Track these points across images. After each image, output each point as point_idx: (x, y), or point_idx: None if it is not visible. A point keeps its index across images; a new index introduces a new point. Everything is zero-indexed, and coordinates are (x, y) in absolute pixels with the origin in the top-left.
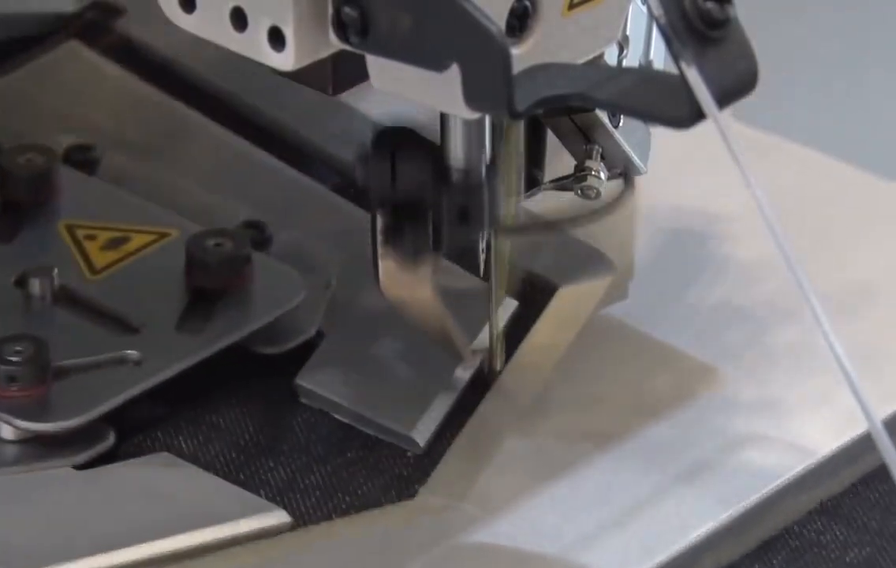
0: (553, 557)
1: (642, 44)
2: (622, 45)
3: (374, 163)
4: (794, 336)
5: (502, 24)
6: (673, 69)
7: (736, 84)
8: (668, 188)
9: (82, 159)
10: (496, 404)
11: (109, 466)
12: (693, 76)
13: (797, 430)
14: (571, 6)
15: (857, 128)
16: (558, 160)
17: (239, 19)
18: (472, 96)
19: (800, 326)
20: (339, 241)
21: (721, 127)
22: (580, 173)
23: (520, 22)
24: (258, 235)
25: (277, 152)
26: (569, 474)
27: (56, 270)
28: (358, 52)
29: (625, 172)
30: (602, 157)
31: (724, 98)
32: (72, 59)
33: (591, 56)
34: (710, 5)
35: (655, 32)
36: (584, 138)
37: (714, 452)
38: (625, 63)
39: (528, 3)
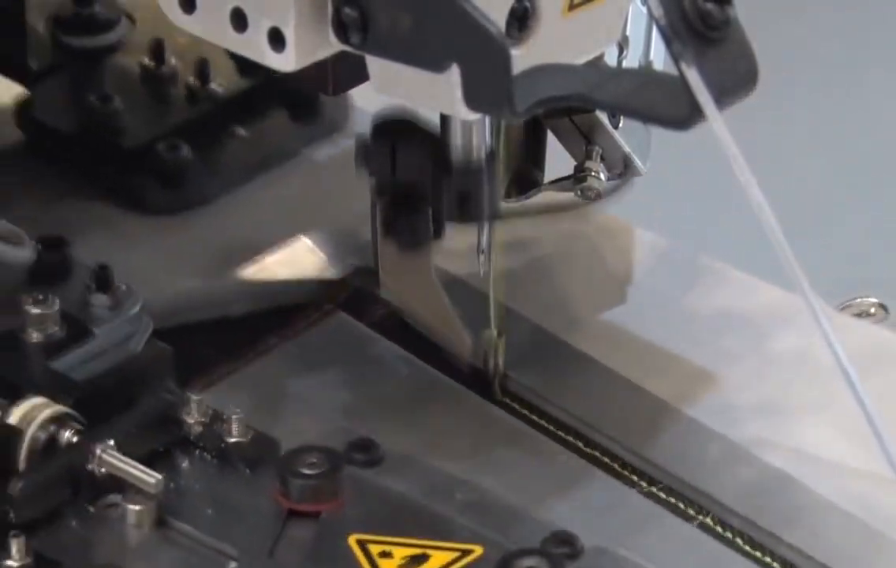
0: None
1: (642, 44)
2: (622, 46)
3: (374, 153)
4: (794, 341)
5: (502, 24)
6: (673, 69)
7: (736, 84)
8: (667, 190)
9: (365, 459)
10: None
11: None
12: (693, 77)
13: (797, 433)
14: (571, 6)
15: (857, 128)
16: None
17: (239, 20)
18: (472, 97)
19: (799, 330)
20: (660, 560)
21: (721, 128)
22: (580, 174)
23: (520, 22)
24: (570, 550)
25: (579, 447)
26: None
27: None
28: (358, 52)
29: (624, 168)
30: (602, 158)
31: (724, 98)
32: (338, 334)
33: (591, 56)
34: (710, 6)
35: (655, 33)
36: (584, 139)
37: (715, 456)
38: (625, 63)
39: (528, 4)
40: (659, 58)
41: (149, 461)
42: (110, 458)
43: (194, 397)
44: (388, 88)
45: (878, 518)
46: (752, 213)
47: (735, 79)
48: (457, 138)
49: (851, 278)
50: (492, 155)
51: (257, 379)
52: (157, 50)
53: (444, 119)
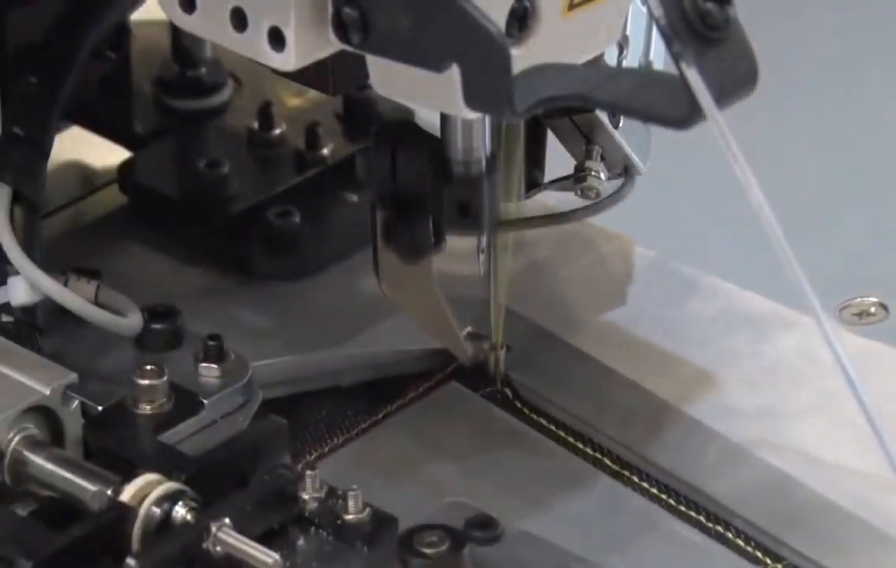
0: None
1: (642, 44)
2: (622, 45)
3: (374, 157)
4: (794, 342)
5: (502, 24)
6: (673, 69)
7: (736, 84)
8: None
9: (485, 536)
10: None
11: None
12: (693, 77)
13: (798, 436)
14: (571, 6)
15: (857, 128)
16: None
17: (239, 19)
18: (472, 97)
19: (799, 332)
20: (660, 562)
21: (721, 128)
22: (580, 173)
23: (520, 22)
24: None
25: (579, 446)
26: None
27: None
28: (358, 52)
29: (625, 168)
30: (602, 158)
31: (724, 98)
32: (450, 404)
33: (591, 56)
34: (709, 6)
35: (655, 32)
36: (584, 139)
37: (716, 456)
38: (625, 63)
39: (528, 4)
40: (659, 58)
41: (264, 539)
42: (227, 537)
43: (309, 473)
44: (387, 88)
45: (878, 519)
46: (751, 215)
47: (735, 79)
48: (457, 145)
49: (851, 278)
50: (492, 162)
51: (370, 451)
52: (265, 113)
53: (445, 125)
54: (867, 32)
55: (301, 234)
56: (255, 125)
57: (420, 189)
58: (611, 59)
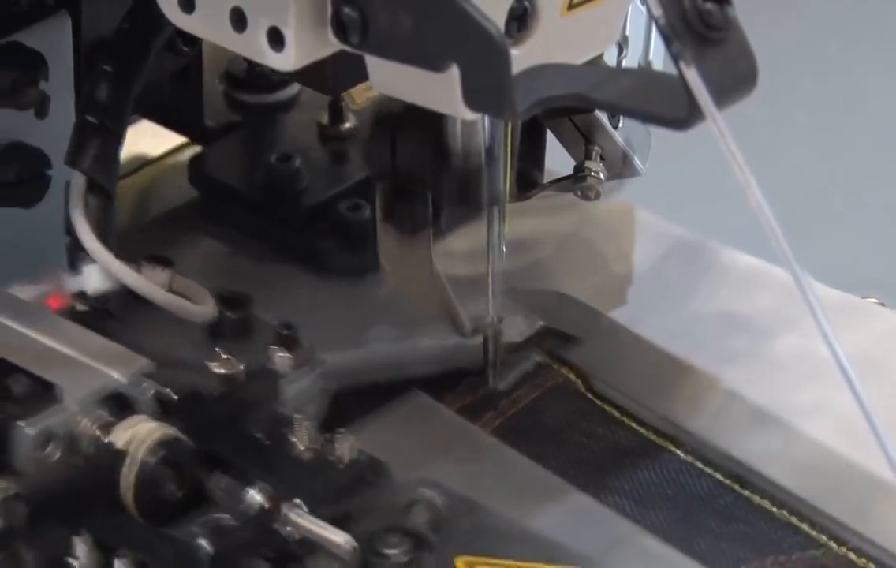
0: None
1: (642, 44)
2: (622, 46)
3: (374, 139)
4: (794, 343)
5: (502, 24)
6: (673, 69)
7: (735, 85)
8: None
9: None
10: None
11: None
12: (693, 77)
13: (796, 437)
14: (571, 6)
15: (856, 127)
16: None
17: (238, 20)
18: (472, 97)
19: (799, 332)
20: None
21: (720, 128)
22: (580, 174)
23: (519, 22)
24: None
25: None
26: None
27: None
28: (357, 52)
29: (624, 168)
30: (602, 158)
31: (724, 99)
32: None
33: (590, 56)
34: (709, 6)
35: (655, 33)
36: (583, 139)
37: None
38: (624, 63)
39: (527, 4)
40: (659, 58)
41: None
42: (299, 518)
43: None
44: (387, 88)
45: None
46: (751, 215)
47: (735, 79)
48: (456, 125)
49: (851, 278)
50: (492, 141)
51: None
52: (335, 107)
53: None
54: (867, 32)
55: (372, 228)
56: (325, 119)
57: (419, 170)
58: (611, 59)
